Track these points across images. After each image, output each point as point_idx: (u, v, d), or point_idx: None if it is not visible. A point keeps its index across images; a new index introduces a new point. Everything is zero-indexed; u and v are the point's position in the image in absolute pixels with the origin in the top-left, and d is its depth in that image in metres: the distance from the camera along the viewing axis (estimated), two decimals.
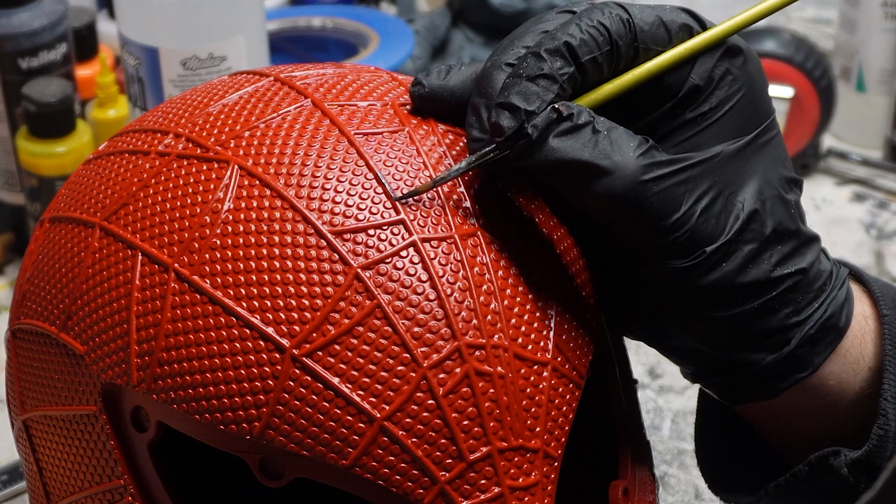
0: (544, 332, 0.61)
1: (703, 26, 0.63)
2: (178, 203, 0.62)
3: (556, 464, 0.61)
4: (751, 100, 0.63)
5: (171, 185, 0.63)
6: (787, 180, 0.64)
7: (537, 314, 0.61)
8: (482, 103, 0.61)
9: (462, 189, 0.62)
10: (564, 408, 0.61)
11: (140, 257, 0.62)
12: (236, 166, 0.62)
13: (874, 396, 0.64)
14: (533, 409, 0.60)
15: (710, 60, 0.62)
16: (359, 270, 0.59)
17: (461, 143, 0.64)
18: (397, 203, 0.61)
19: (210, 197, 0.62)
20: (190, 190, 0.62)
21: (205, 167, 0.63)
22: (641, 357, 1.08)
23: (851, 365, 0.65)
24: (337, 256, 0.59)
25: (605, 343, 0.66)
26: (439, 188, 0.62)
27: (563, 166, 0.59)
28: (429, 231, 0.60)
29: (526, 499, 0.60)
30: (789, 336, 0.63)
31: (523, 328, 0.61)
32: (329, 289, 0.59)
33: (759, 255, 0.62)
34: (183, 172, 0.63)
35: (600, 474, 0.71)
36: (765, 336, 0.63)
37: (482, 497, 0.59)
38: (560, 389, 0.61)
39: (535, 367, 0.61)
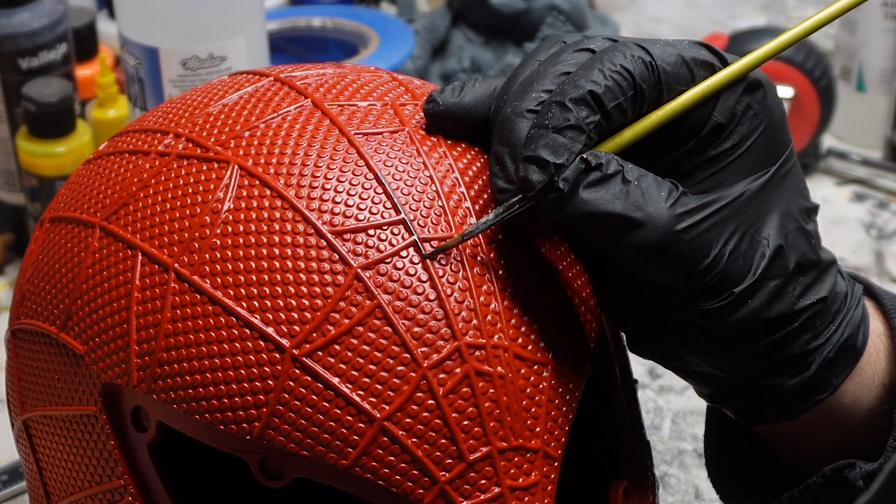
0: (544, 333, 0.61)
1: (724, 62, 0.62)
2: (179, 203, 0.62)
3: (556, 464, 0.60)
4: (771, 132, 0.62)
5: (171, 185, 0.63)
6: (806, 210, 0.63)
7: (537, 314, 0.61)
8: (506, 153, 0.60)
9: (462, 189, 0.62)
10: (564, 408, 0.61)
11: (140, 257, 0.62)
12: (236, 166, 0.62)
13: (888, 412, 0.64)
14: (533, 409, 0.60)
15: (733, 97, 0.61)
16: (359, 270, 0.59)
17: (462, 145, 0.64)
18: (397, 203, 0.61)
19: (210, 197, 0.62)
20: (190, 190, 0.62)
21: (205, 167, 0.63)
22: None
23: (866, 382, 0.65)
24: (337, 256, 0.59)
25: (604, 343, 0.66)
26: (439, 189, 0.62)
27: (596, 219, 0.59)
28: (429, 231, 0.60)
29: (526, 499, 0.60)
30: (809, 360, 0.63)
31: (523, 328, 0.60)
32: (329, 289, 0.59)
33: (783, 289, 0.61)
34: (183, 172, 0.63)
35: (600, 474, 0.71)
36: (786, 363, 0.63)
37: (482, 497, 0.59)
38: (560, 389, 0.61)
39: (535, 367, 0.60)
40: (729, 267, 0.60)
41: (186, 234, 0.61)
